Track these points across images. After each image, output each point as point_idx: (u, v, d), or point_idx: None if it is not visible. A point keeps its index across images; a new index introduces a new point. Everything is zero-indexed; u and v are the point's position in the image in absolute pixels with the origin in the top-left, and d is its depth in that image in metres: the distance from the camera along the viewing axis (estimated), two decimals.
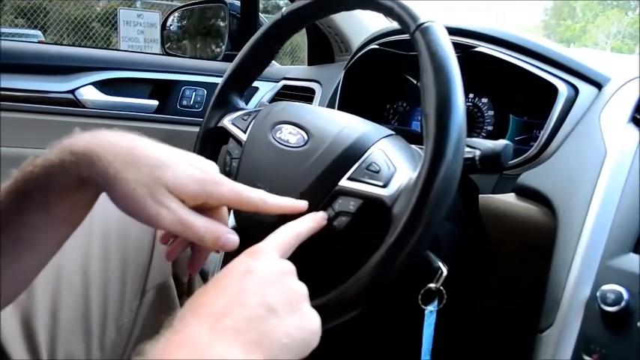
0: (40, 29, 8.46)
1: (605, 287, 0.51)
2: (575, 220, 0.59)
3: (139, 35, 8.06)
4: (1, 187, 0.49)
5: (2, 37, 7.51)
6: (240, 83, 0.75)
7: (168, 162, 0.48)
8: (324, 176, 0.59)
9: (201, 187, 0.49)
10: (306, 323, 0.45)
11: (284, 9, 0.71)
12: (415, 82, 0.99)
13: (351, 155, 0.59)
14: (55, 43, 8.61)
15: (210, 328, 0.39)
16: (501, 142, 0.56)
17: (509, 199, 0.71)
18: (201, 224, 0.48)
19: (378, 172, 0.57)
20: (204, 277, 0.70)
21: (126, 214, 0.49)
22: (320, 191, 0.59)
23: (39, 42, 7.85)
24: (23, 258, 0.51)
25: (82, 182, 0.48)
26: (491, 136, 0.87)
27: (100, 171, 0.46)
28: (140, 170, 0.47)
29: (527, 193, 0.69)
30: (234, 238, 0.51)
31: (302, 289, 0.47)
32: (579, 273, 0.55)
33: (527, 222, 0.69)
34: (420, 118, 0.98)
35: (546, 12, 18.44)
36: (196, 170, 0.49)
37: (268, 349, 0.40)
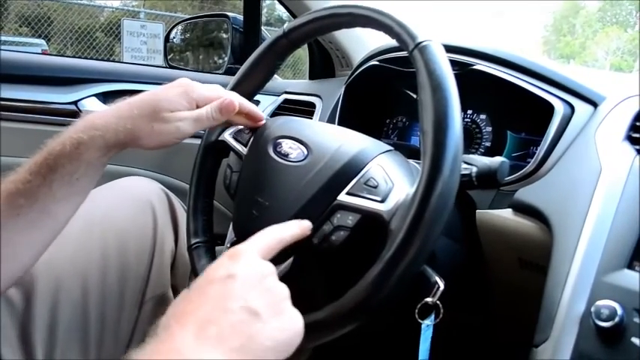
0: (44, 38, 8.51)
1: (599, 303, 0.52)
2: (571, 236, 0.60)
3: (142, 46, 8.11)
4: (26, 166, 0.58)
5: (6, 45, 7.57)
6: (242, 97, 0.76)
7: (158, 96, 0.63)
8: (323, 191, 0.60)
9: (187, 96, 0.64)
10: (289, 325, 0.45)
11: (285, 25, 0.72)
12: (414, 96, 1.00)
13: (349, 170, 0.60)
14: (59, 52, 8.70)
15: (196, 336, 0.39)
16: (498, 160, 0.57)
17: (505, 214, 0.72)
18: (204, 112, 0.64)
19: (376, 187, 0.58)
20: None
21: (159, 148, 0.64)
22: (319, 205, 0.60)
23: (42, 51, 7.94)
24: (45, 226, 0.60)
25: (108, 150, 0.61)
26: (489, 151, 0.88)
27: (124, 133, 0.61)
28: (147, 114, 0.61)
29: (524, 209, 0.70)
30: (230, 100, 0.65)
31: (283, 290, 0.47)
32: (574, 288, 0.56)
33: (523, 237, 0.70)
34: (418, 132, 0.99)
35: (546, 28, 18.56)
36: (178, 88, 0.64)
37: (253, 353, 0.41)
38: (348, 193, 0.59)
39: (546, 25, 18.58)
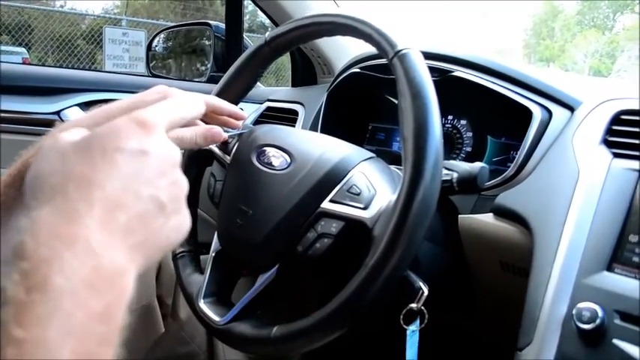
0: (24, 46, 8.43)
1: (580, 305, 0.53)
2: (551, 239, 0.61)
3: (124, 53, 8.07)
4: (1, 178, 0.52)
5: None
6: None
7: (136, 104, 0.53)
8: (306, 199, 0.60)
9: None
10: (182, 225, 0.40)
11: (267, 34, 0.73)
12: (396, 101, 1.01)
13: (332, 178, 0.60)
14: (40, 60, 8.60)
15: (103, 223, 0.33)
16: (477, 165, 0.58)
17: (487, 219, 0.73)
18: (189, 134, 0.55)
19: (358, 194, 0.58)
20: (189, 300, 0.70)
21: None
22: (302, 213, 0.60)
23: (23, 59, 7.86)
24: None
25: None
26: (470, 156, 0.89)
27: None
28: None
29: (505, 213, 0.71)
30: (217, 131, 0.57)
31: (186, 184, 0.41)
32: (556, 292, 0.57)
33: (505, 241, 0.71)
34: (399, 138, 1.00)
35: (526, 32, 18.80)
36: (156, 95, 0.54)
37: (148, 252, 0.36)
38: (331, 201, 0.59)
39: (526, 29, 18.82)
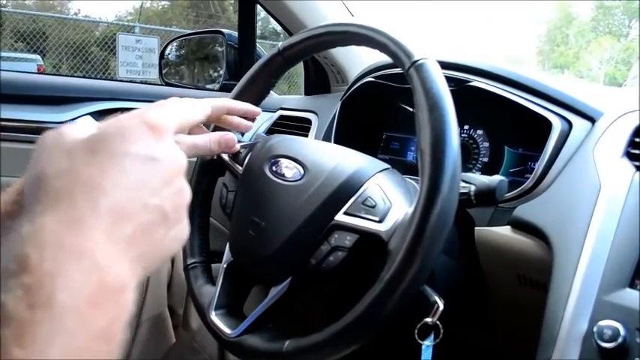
0: (39, 53, 8.53)
1: (602, 323, 0.51)
2: (571, 254, 0.60)
3: (137, 60, 8.14)
4: (15, 186, 0.50)
5: (2, 60, 7.57)
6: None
7: None
8: (320, 211, 0.59)
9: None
10: (182, 235, 0.39)
11: (280, 44, 0.72)
12: (411, 110, 1.00)
13: (347, 190, 0.59)
14: (54, 67, 8.70)
15: (108, 233, 0.31)
16: (496, 178, 0.57)
17: (504, 231, 0.71)
18: (203, 141, 0.56)
19: (374, 207, 0.57)
20: (201, 311, 0.69)
21: None
22: (316, 226, 0.59)
23: (38, 66, 7.95)
24: None
25: None
26: (486, 167, 0.88)
27: None
28: None
29: (523, 226, 0.69)
30: (232, 136, 0.59)
31: (189, 191, 0.39)
32: (576, 308, 0.55)
33: (522, 255, 0.70)
34: (414, 148, 0.99)
35: (540, 38, 18.71)
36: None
37: (148, 263, 0.35)
38: (345, 213, 0.58)
39: (540, 36, 18.73)
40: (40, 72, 7.92)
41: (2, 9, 9.08)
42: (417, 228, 0.50)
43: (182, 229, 0.38)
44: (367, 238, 0.56)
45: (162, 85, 1.52)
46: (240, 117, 0.64)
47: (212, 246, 0.76)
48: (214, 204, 0.76)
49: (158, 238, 0.35)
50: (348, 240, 0.57)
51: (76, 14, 11.04)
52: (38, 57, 8.42)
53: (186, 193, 0.38)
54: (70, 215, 0.30)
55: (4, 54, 8.28)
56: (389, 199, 0.58)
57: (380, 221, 0.56)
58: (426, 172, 0.51)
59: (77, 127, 0.38)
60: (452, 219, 0.51)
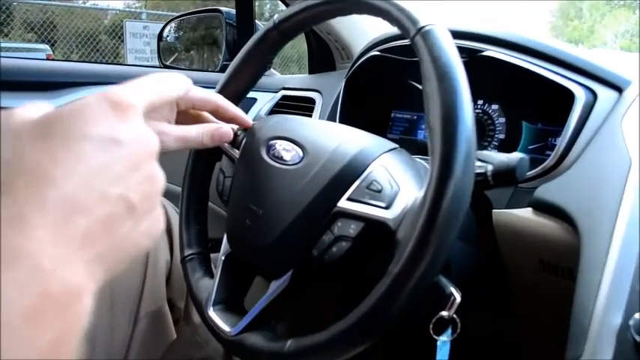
0: (48, 43, 8.54)
1: (637, 315, 0.46)
2: (601, 238, 0.54)
3: (145, 47, 8.14)
4: None
5: (10, 52, 7.59)
6: (233, 97, 0.70)
7: None
8: (321, 196, 0.54)
9: (172, 104, 0.51)
10: (155, 228, 0.34)
11: (275, 16, 0.66)
12: (420, 86, 0.94)
13: (350, 173, 0.54)
14: (64, 56, 8.71)
15: (55, 232, 0.26)
16: (516, 156, 0.51)
17: (525, 214, 0.65)
18: (194, 133, 0.52)
19: (380, 191, 0.52)
20: (199, 307, 0.65)
21: None
22: (317, 213, 0.54)
23: (47, 55, 7.96)
24: None
25: None
26: (503, 144, 0.81)
27: None
28: None
29: (546, 208, 0.63)
30: (226, 130, 0.55)
31: (162, 177, 0.34)
32: (608, 299, 0.49)
33: (545, 239, 0.64)
34: (424, 126, 0.93)
35: (552, 13, 18.34)
36: None
37: (111, 264, 0.30)
38: (349, 199, 0.53)
39: (552, 10, 18.36)
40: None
41: (11, 0, 9.10)
42: (428, 214, 0.44)
43: (155, 222, 0.33)
44: (373, 226, 0.51)
45: (161, 67, 1.47)
46: (227, 120, 0.59)
47: (213, 234, 0.72)
48: (212, 189, 0.71)
49: (123, 234, 0.30)
50: (353, 229, 0.52)
51: (84, 2, 11.01)
52: (47, 46, 8.40)
53: (158, 180, 0.33)
54: (10, 211, 0.25)
55: (12, 45, 8.29)
56: (396, 183, 0.52)
57: (387, 207, 0.50)
58: (436, 150, 0.45)
59: (34, 107, 0.32)
60: (467, 203, 0.46)
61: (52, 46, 8.67)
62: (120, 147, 0.30)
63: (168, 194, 0.99)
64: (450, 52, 0.48)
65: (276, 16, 0.66)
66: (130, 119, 0.32)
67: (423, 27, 0.49)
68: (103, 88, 0.33)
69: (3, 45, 8.07)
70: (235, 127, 0.61)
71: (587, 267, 0.54)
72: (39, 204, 0.26)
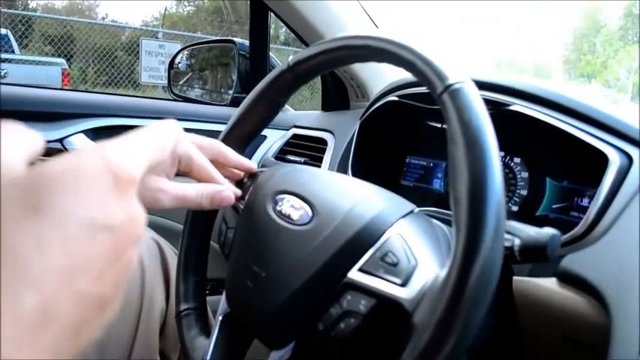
0: (65, 57, 8.64)
1: None
2: (633, 318, 0.49)
3: (159, 65, 8.22)
4: None
5: (27, 64, 7.66)
6: (243, 138, 0.66)
7: None
8: (330, 265, 0.49)
9: (173, 153, 0.48)
10: (109, 317, 0.28)
11: (290, 58, 0.62)
12: (439, 126, 0.89)
13: (363, 240, 0.49)
14: (80, 70, 8.79)
15: (24, 345, 0.22)
16: (547, 232, 0.46)
17: (550, 284, 0.60)
18: (194, 193, 0.49)
19: (395, 265, 0.47)
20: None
21: None
22: (325, 282, 0.49)
23: (62, 70, 8.03)
24: None
25: None
26: (525, 202, 0.76)
27: None
28: None
29: (572, 280, 0.58)
30: (228, 194, 0.52)
31: (135, 264, 0.32)
32: None
33: (570, 313, 0.58)
34: (441, 175, 0.88)
35: (566, 47, 18.41)
36: None
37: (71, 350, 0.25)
38: (360, 270, 0.48)
39: (566, 44, 18.41)
40: (64, 76, 8.00)
41: (32, 13, 9.21)
42: (450, 299, 0.39)
43: (112, 310, 0.28)
44: (386, 304, 0.46)
45: (169, 100, 1.42)
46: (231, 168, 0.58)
47: (213, 274, 0.68)
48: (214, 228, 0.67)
49: (90, 332, 0.26)
50: (363, 305, 0.47)
51: (103, 18, 11.19)
52: (63, 60, 8.48)
53: (131, 268, 0.29)
54: None
55: (28, 57, 8.38)
56: (414, 256, 0.47)
57: (403, 285, 0.45)
58: (462, 224, 0.41)
59: (19, 140, 0.29)
60: (494, 283, 0.41)
61: (69, 59, 8.77)
62: (109, 234, 0.26)
63: (168, 232, 0.95)
64: (482, 116, 0.43)
65: (291, 57, 0.63)
66: (127, 196, 0.27)
67: (452, 84, 0.45)
68: (137, 127, 0.29)
69: (19, 57, 8.15)
70: (239, 192, 0.57)
71: (620, 348, 0.49)
72: (14, 314, 0.21)
